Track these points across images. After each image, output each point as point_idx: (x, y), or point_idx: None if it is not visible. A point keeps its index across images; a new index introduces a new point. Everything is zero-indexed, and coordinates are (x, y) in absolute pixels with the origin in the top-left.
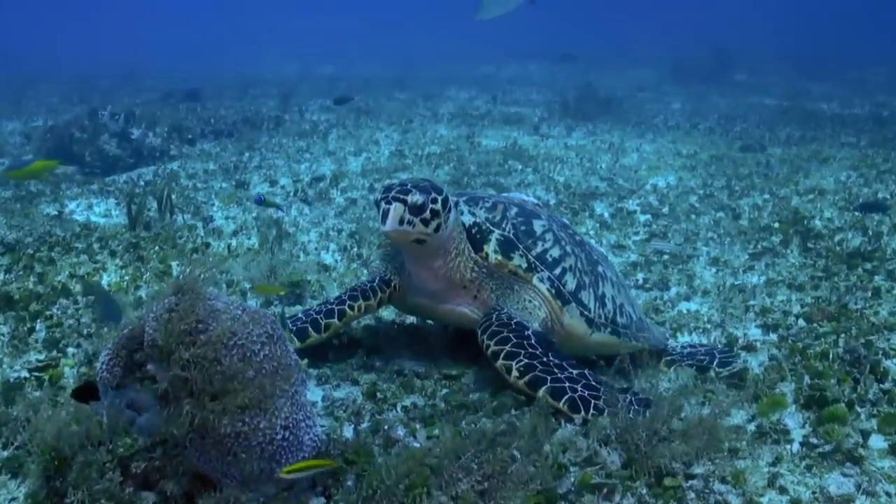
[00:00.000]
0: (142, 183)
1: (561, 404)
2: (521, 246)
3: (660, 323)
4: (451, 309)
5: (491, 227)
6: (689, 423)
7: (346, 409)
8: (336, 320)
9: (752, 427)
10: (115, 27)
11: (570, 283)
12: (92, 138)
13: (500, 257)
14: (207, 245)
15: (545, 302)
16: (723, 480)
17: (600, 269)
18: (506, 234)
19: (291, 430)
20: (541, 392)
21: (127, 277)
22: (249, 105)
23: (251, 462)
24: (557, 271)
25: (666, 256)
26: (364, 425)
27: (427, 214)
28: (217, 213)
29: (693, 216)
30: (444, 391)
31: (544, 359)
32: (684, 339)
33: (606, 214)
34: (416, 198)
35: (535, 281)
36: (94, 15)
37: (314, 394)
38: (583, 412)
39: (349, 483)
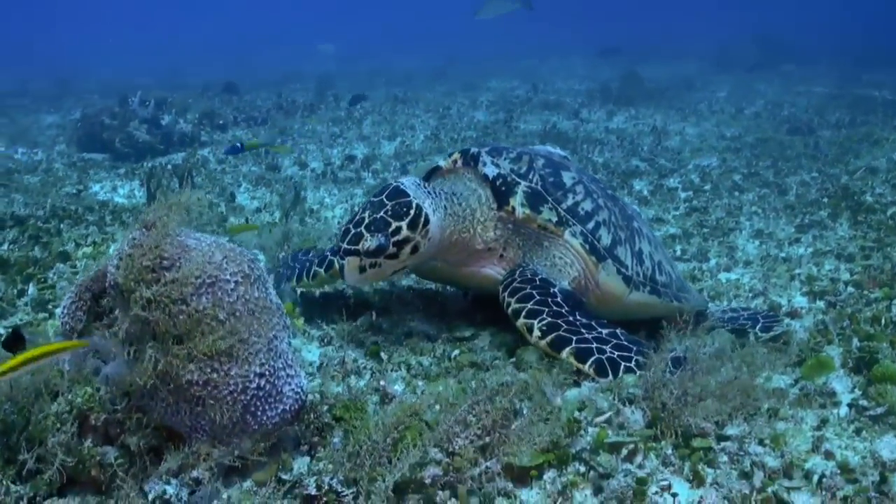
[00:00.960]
0: (169, 167)
1: (587, 367)
2: (550, 199)
3: (697, 290)
4: (474, 272)
5: (517, 179)
6: (723, 382)
7: (344, 366)
8: (323, 271)
9: (795, 391)
10: (159, 30)
11: (605, 238)
12: (122, 125)
13: (527, 211)
14: (225, 219)
15: (578, 258)
16: (760, 443)
17: (636, 224)
18: (533, 185)
19: (268, 378)
20: (564, 353)
21: None
22: (287, 96)
23: (221, 413)
24: (591, 225)
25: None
26: (361, 382)
27: (392, 249)
28: (243, 195)
29: (736, 193)
30: (455, 352)
31: (570, 318)
32: (725, 305)
33: (646, 191)
34: (369, 243)
35: (566, 236)
36: (141, 18)
37: (312, 354)
38: (611, 375)
39: (336, 440)
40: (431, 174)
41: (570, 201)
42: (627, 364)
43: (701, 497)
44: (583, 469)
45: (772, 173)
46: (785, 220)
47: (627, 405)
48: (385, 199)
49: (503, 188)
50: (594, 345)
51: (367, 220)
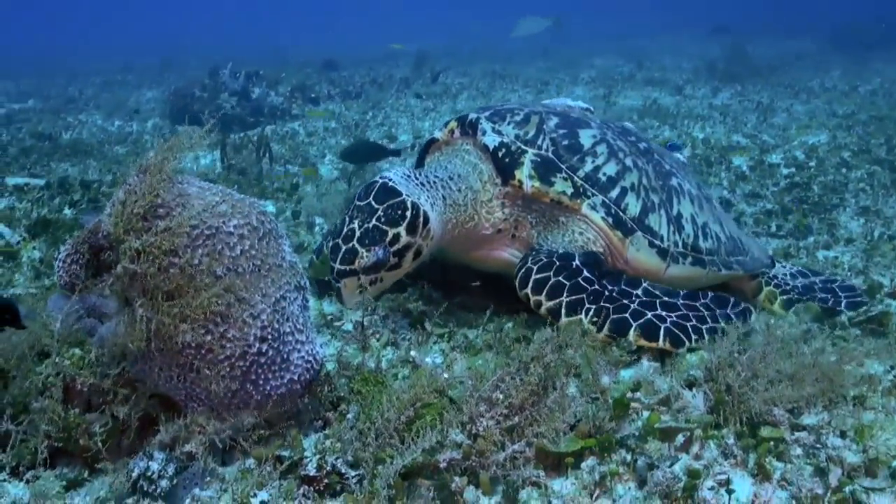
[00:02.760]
0: (255, 138)
1: (661, 342)
2: (563, 166)
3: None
4: (486, 254)
5: (523, 147)
6: (801, 364)
7: (379, 337)
8: (315, 257)
9: (889, 377)
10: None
11: (633, 206)
12: (212, 97)
13: (537, 184)
14: (296, 186)
15: (601, 234)
16: (841, 435)
17: (674, 181)
18: (543, 152)
19: (272, 343)
20: (631, 336)
21: None
22: (386, 71)
23: (218, 381)
24: (615, 193)
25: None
26: (393, 354)
27: (394, 260)
28: (326, 167)
29: (843, 169)
30: (509, 325)
31: (605, 293)
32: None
33: (745, 167)
34: (366, 260)
35: (585, 209)
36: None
37: (348, 324)
38: (687, 342)
39: (350, 416)
40: (428, 149)
41: (588, 166)
42: (693, 325)
43: (755, 494)
44: (628, 458)
45: (884, 150)
46: (895, 198)
47: (687, 388)
48: (374, 203)
49: (506, 159)
50: (649, 314)
51: (358, 233)
